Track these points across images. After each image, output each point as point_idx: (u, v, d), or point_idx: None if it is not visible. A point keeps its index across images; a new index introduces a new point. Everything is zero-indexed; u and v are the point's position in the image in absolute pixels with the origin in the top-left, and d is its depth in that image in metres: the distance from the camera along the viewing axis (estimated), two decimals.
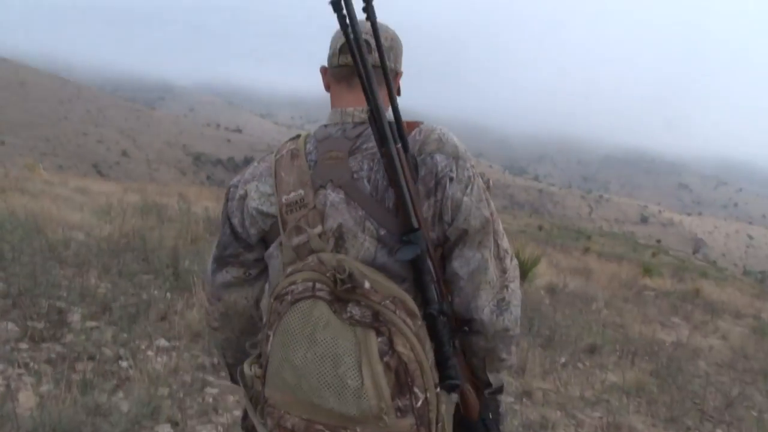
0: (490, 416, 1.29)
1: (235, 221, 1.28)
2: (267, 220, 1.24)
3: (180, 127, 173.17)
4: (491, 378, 1.26)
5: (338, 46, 1.27)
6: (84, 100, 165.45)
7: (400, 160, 1.10)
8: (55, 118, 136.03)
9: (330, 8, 1.06)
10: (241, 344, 1.40)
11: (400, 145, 1.12)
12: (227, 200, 1.31)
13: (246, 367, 1.21)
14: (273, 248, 1.24)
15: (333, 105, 1.30)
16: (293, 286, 1.09)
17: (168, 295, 4.53)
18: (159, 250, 5.65)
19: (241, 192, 1.27)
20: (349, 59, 1.22)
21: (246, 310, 1.35)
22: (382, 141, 1.11)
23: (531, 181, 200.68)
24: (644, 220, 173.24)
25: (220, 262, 1.32)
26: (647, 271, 14.96)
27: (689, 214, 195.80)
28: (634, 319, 7.97)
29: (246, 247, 1.29)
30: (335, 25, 1.11)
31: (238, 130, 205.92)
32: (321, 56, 1.33)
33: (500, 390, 1.32)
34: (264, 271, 1.32)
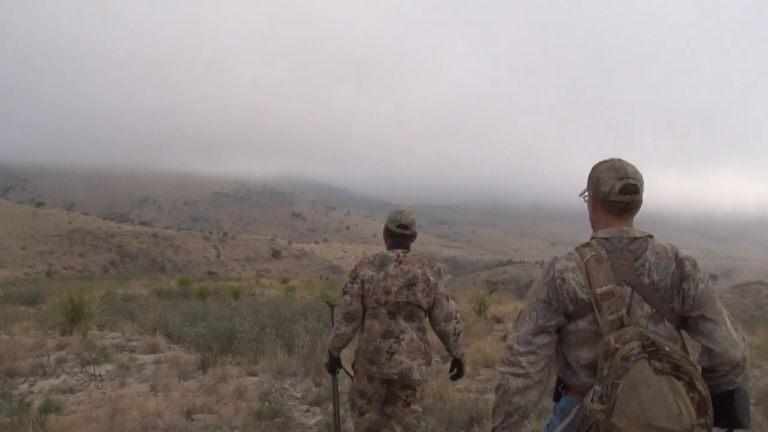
0: None
1: (561, 300, 1.88)
2: (579, 303, 1.86)
3: None
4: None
5: (617, 188, 1.90)
6: None
7: None
8: None
9: None
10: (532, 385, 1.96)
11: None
12: (552, 287, 1.90)
13: (590, 403, 1.74)
14: (582, 323, 1.87)
15: (600, 225, 1.96)
16: (632, 351, 1.68)
17: None
18: None
19: (559, 280, 1.89)
20: (626, 198, 1.90)
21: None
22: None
23: (141, 226, 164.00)
24: (277, 254, 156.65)
25: (540, 329, 1.91)
26: None
27: (317, 242, 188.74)
28: None
29: (561, 320, 1.90)
30: None
31: None
32: None
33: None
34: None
